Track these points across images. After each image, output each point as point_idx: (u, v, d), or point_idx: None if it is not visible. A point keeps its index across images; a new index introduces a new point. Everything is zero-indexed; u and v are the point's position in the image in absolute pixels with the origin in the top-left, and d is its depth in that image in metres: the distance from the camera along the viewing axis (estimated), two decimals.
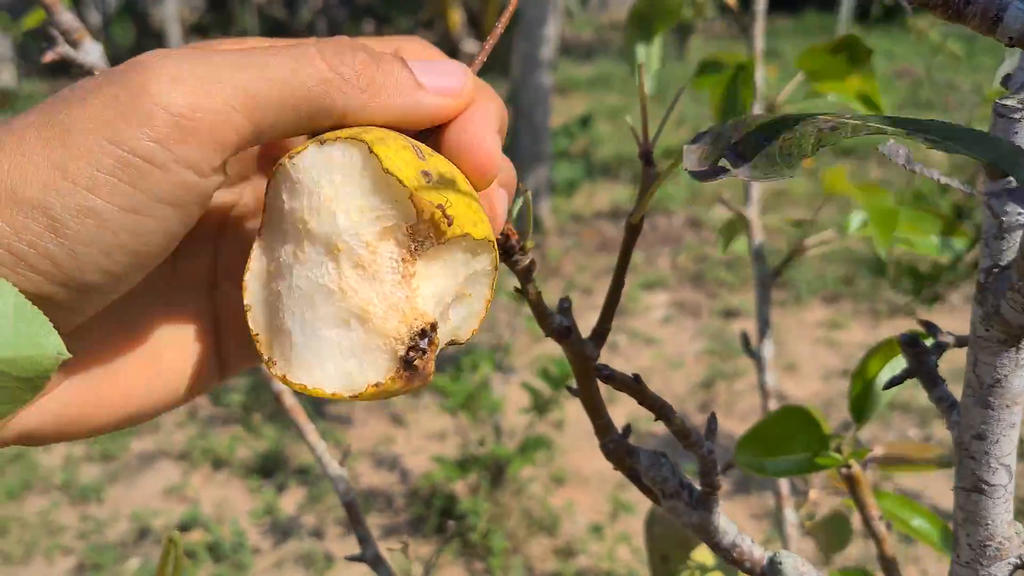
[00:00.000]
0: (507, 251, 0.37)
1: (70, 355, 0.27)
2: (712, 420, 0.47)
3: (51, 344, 0.27)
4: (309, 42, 0.33)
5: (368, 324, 0.31)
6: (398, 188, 0.31)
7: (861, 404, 0.55)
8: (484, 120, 0.35)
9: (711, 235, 4.49)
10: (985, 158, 0.26)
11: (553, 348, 3.28)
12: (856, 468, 0.50)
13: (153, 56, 0.31)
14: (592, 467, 2.71)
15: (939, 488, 2.45)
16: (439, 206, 0.31)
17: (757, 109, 0.87)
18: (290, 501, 2.59)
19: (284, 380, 0.32)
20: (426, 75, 0.34)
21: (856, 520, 0.72)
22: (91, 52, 0.59)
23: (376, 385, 0.31)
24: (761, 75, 0.88)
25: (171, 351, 0.37)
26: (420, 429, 2.91)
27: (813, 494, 0.61)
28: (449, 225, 0.31)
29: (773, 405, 0.87)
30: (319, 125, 0.33)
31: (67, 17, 0.59)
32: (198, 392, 0.39)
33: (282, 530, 2.48)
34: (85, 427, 0.35)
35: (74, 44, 0.59)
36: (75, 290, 0.29)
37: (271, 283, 0.33)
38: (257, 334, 0.34)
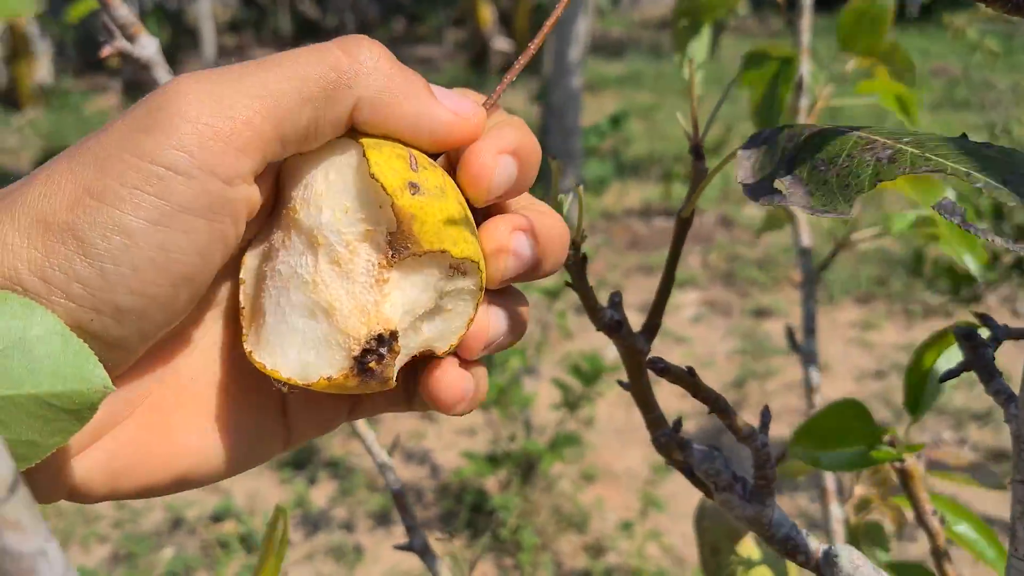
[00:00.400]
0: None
1: (115, 388, 0.28)
2: (765, 413, 0.46)
3: (97, 377, 0.27)
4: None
5: (332, 319, 0.32)
6: (381, 194, 0.32)
7: (916, 397, 0.55)
8: (491, 138, 0.34)
9: (742, 234, 4.46)
10: None
11: (583, 345, 3.28)
12: (910, 462, 0.50)
13: (176, 77, 0.31)
14: (622, 464, 2.71)
15: (974, 491, 2.42)
16: (417, 218, 0.31)
17: (804, 101, 0.86)
18: (321, 494, 2.61)
19: (249, 356, 0.33)
20: (441, 94, 0.34)
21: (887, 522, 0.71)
22: (147, 46, 0.60)
23: (328, 379, 0.32)
24: (807, 69, 0.88)
25: (230, 410, 0.35)
26: (450, 424, 2.92)
27: (860, 489, 0.60)
28: (425, 237, 0.32)
29: (819, 402, 0.87)
30: (335, 118, 0.32)
31: (123, 11, 0.60)
32: (257, 458, 0.36)
33: (313, 522, 2.49)
34: (135, 482, 0.33)
35: (130, 39, 0.60)
36: (109, 316, 0.29)
37: (264, 263, 0.34)
38: (243, 307, 0.34)
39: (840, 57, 0.89)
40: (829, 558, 0.44)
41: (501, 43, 8.34)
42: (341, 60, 0.32)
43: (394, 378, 0.33)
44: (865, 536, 0.67)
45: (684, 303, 3.78)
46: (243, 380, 0.35)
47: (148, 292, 0.29)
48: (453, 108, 0.34)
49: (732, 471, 0.46)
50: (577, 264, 0.43)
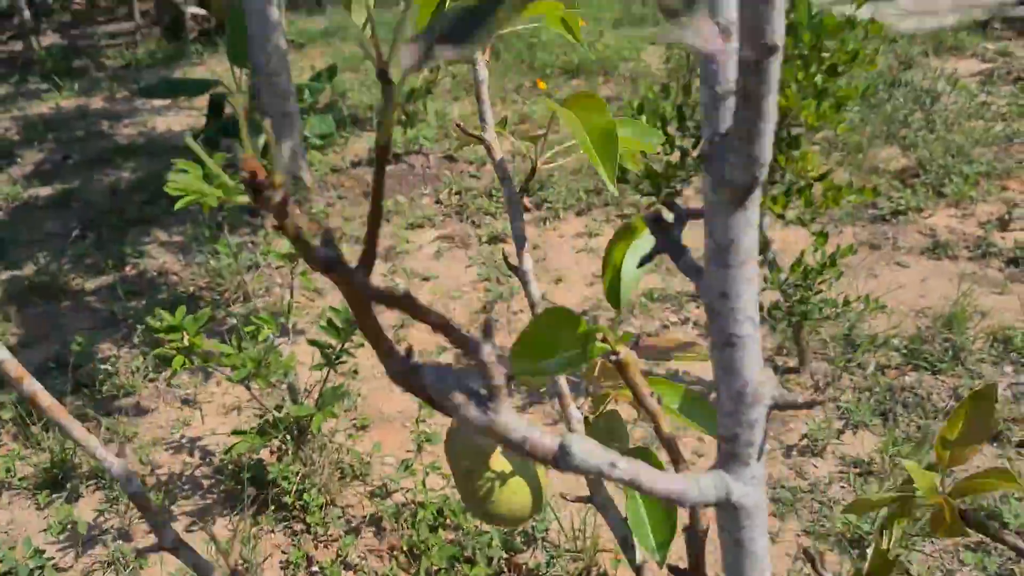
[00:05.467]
0: (256, 189, 0.36)
1: None
2: (487, 326, 0.51)
3: None
4: None
5: None
6: None
7: (615, 289, 0.63)
8: None
9: (468, 167, 4.59)
10: None
11: (334, 301, 3.27)
12: (624, 353, 0.57)
13: None
14: (392, 407, 2.77)
15: (703, 367, 2.70)
16: None
17: None
18: (87, 509, 2.47)
19: None
20: None
21: (628, 412, 0.80)
22: None
23: None
24: None
25: None
26: (214, 408, 2.84)
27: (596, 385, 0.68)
28: None
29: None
30: None
31: None
32: None
33: (84, 540, 2.36)
34: None
35: None
36: None
37: None
38: None
39: None
40: (563, 450, 0.50)
41: (194, 8, 7.90)
42: None
43: None
44: (604, 430, 0.76)
45: (423, 241, 3.86)
46: None
47: None
48: None
49: (466, 385, 0.51)
50: (279, 204, 0.43)
